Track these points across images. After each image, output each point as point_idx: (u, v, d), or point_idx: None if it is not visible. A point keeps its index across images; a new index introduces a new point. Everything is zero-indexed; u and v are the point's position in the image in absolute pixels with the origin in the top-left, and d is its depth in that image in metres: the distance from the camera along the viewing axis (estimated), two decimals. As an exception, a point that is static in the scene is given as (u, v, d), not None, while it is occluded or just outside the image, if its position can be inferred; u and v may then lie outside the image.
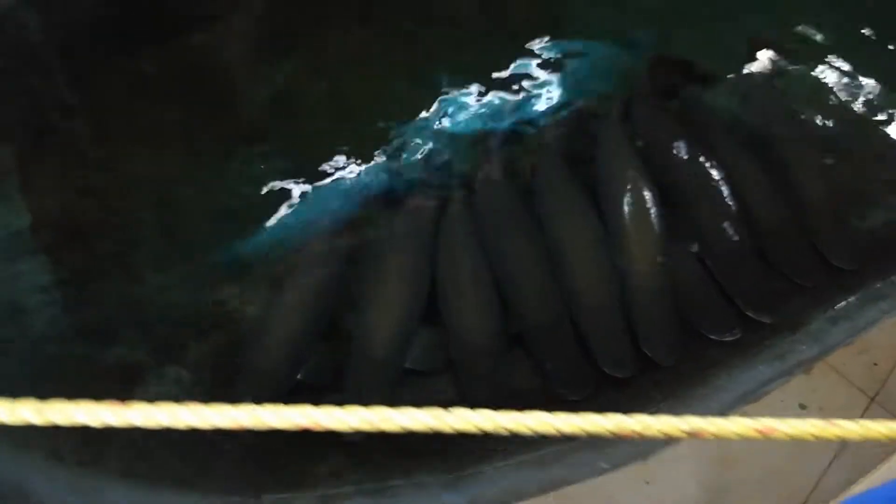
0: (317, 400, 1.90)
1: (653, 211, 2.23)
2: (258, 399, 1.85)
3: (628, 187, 2.27)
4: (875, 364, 1.79)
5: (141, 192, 2.66)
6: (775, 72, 2.79)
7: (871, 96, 2.74)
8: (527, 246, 2.19)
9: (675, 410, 1.80)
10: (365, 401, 1.85)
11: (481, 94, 2.87)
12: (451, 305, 2.07)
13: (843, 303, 2.01)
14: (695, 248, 2.23)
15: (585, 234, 2.20)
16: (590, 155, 2.43)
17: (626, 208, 2.22)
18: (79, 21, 2.71)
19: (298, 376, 1.99)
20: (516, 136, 2.64)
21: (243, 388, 1.94)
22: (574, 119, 2.63)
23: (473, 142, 2.65)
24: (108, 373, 2.01)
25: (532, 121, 2.69)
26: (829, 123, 2.66)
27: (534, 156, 2.52)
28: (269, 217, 2.55)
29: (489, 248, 2.19)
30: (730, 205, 2.29)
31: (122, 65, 2.78)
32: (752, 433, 0.85)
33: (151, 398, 1.93)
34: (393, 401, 1.86)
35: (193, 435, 1.89)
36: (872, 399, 1.73)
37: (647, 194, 2.26)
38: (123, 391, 1.94)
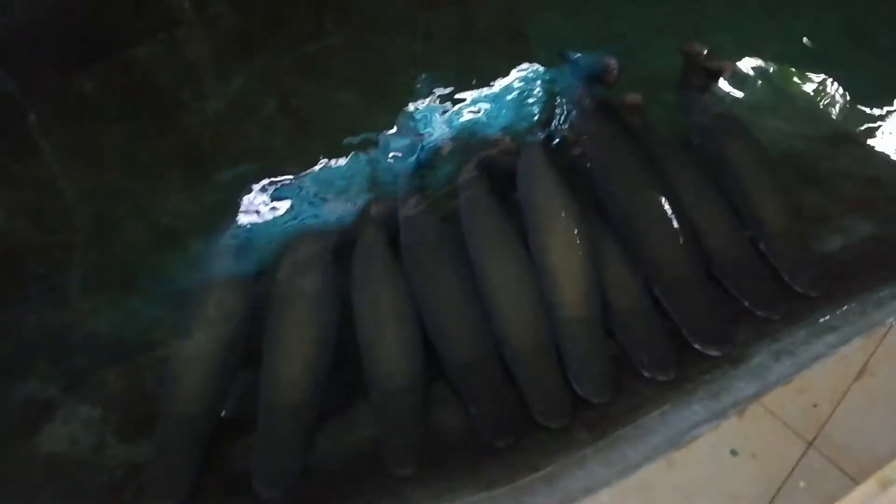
0: (241, 436, 1.83)
1: (580, 240, 2.08)
2: (181, 441, 1.78)
3: (552, 217, 2.14)
4: (815, 405, 1.67)
5: (76, 212, 2.58)
6: (713, 86, 2.67)
7: (833, 114, 2.63)
8: (453, 282, 2.06)
9: (603, 454, 1.72)
10: (275, 447, 1.77)
11: (433, 110, 2.79)
12: (371, 343, 1.94)
13: (789, 336, 1.90)
14: (642, 275, 2.11)
15: (512, 272, 2.05)
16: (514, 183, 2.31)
17: (551, 239, 2.08)
18: (9, 34, 2.62)
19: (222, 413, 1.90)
20: (446, 163, 2.54)
21: (163, 434, 1.83)
22: (503, 146, 2.50)
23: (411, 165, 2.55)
24: (15, 411, 1.92)
25: (469, 144, 2.59)
26: (790, 142, 2.55)
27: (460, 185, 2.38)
28: (208, 239, 2.46)
29: (414, 283, 2.07)
30: (680, 229, 2.14)
31: (59, 80, 2.69)
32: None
33: (57, 437, 1.87)
34: (307, 445, 1.79)
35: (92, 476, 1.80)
36: (810, 444, 1.61)
37: (573, 223, 2.11)
38: (30, 430, 1.86)
